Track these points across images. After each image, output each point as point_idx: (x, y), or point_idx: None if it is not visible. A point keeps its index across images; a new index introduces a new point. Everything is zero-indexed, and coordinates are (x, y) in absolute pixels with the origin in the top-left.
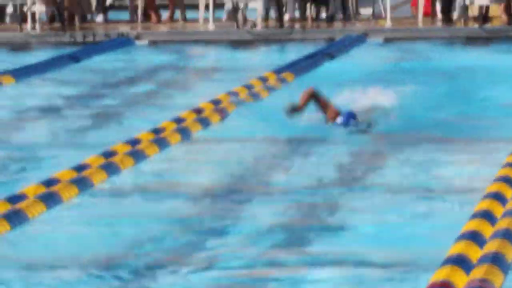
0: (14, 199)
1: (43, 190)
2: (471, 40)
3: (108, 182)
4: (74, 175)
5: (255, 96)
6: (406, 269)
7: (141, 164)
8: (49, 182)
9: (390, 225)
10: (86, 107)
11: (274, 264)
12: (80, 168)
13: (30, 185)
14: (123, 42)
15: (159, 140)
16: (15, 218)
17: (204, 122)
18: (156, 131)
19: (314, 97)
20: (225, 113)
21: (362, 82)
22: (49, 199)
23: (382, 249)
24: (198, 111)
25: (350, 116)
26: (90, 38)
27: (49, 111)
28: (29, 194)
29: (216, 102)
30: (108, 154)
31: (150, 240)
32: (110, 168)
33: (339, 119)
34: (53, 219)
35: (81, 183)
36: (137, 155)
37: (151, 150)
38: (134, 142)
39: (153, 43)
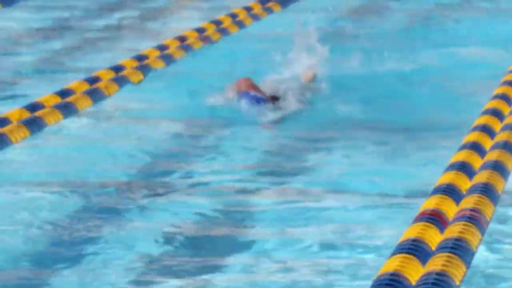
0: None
1: (27, 114)
2: None
3: (92, 108)
4: (58, 100)
5: (240, 25)
6: None
7: (124, 90)
8: (33, 107)
9: None
10: (69, 32)
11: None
12: (64, 93)
13: (13, 109)
14: None
15: (143, 66)
16: None
17: (188, 49)
18: (140, 58)
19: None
20: (209, 41)
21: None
22: (32, 124)
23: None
24: (182, 38)
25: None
26: None
27: (34, 35)
28: (13, 118)
29: (200, 30)
30: (92, 80)
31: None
32: (94, 94)
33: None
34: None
35: (66, 108)
36: (121, 81)
37: (134, 77)
38: (118, 68)
39: None
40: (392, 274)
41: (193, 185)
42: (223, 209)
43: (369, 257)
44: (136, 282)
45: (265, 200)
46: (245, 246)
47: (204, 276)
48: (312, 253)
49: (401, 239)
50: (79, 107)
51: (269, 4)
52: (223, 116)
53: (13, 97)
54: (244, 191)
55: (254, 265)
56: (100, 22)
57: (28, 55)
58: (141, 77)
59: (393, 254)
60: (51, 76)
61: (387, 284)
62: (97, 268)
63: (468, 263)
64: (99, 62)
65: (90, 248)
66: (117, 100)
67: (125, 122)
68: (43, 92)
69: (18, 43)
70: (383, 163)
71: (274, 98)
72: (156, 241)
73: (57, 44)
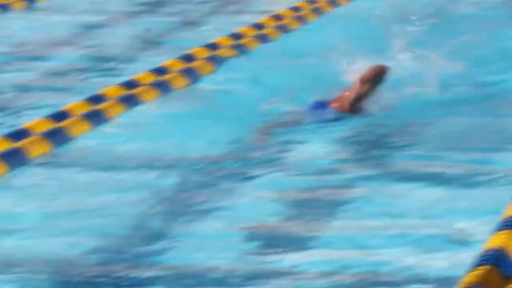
0: (94, 99)
1: (123, 92)
2: None
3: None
4: (153, 78)
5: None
6: None
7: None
8: (130, 84)
9: None
10: (163, 13)
11: None
12: (159, 71)
13: (110, 87)
14: None
15: (238, 46)
16: (95, 118)
17: (283, 29)
18: (235, 36)
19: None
20: (304, 20)
21: None
22: (129, 100)
23: None
24: (277, 17)
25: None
26: None
27: (127, 16)
28: (110, 95)
29: (296, 9)
30: (187, 58)
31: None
32: (189, 74)
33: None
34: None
35: (161, 86)
36: (216, 60)
37: (230, 55)
38: (213, 46)
39: None
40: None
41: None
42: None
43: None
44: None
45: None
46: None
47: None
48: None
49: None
50: (175, 86)
51: None
52: None
53: (112, 75)
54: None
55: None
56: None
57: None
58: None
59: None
60: (146, 53)
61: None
62: (207, 238)
63: None
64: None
65: (199, 220)
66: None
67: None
68: (138, 71)
69: (109, 22)
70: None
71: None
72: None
73: (151, 23)
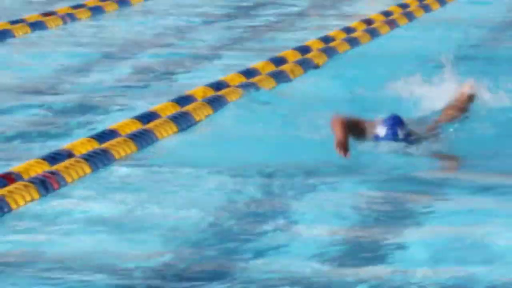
0: (182, 100)
1: (211, 93)
2: None
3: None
4: (242, 79)
5: (426, 8)
6: None
7: (309, 74)
8: (217, 85)
9: None
10: (251, 16)
11: None
12: (248, 72)
13: (197, 88)
14: None
15: (328, 49)
16: (183, 120)
17: (373, 33)
18: (326, 39)
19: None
20: (395, 25)
21: None
22: (215, 102)
23: None
24: (368, 22)
25: (395, 123)
26: None
27: (213, 19)
28: (197, 96)
29: (386, 14)
30: (277, 61)
31: None
32: (279, 76)
33: (380, 130)
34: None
35: (247, 87)
36: (305, 63)
37: (319, 59)
38: (304, 49)
39: None
40: None
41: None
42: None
43: None
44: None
45: None
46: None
47: None
48: None
49: None
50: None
51: None
52: None
53: (197, 76)
54: None
55: None
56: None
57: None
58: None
59: None
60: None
61: None
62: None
63: None
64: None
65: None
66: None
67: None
68: (228, 73)
69: (197, 24)
70: None
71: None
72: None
73: (239, 25)
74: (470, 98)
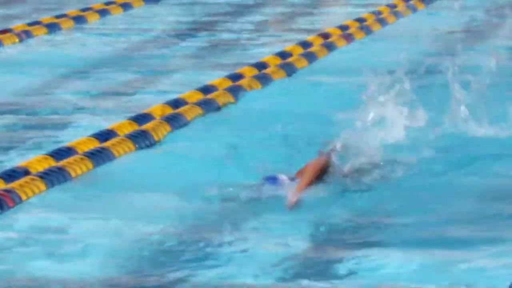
0: (140, 118)
1: (169, 110)
2: None
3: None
4: (200, 96)
5: (382, 22)
6: None
7: (266, 87)
8: (175, 103)
9: None
10: (207, 32)
11: None
12: (205, 89)
13: (155, 106)
14: None
15: (285, 65)
16: (141, 138)
17: (330, 47)
18: (282, 54)
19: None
20: (352, 39)
21: None
22: (173, 119)
23: None
24: (325, 36)
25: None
26: None
27: (168, 35)
28: (155, 114)
29: (343, 28)
30: (235, 77)
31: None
32: (235, 90)
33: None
34: None
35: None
36: (263, 79)
37: (276, 74)
38: (260, 65)
39: None
40: None
41: None
42: None
43: None
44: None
45: None
46: None
47: None
48: None
49: None
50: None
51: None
52: None
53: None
54: None
55: None
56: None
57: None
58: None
59: None
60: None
61: None
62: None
63: None
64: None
65: None
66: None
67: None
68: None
69: (162, 40)
70: None
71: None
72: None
73: (201, 41)
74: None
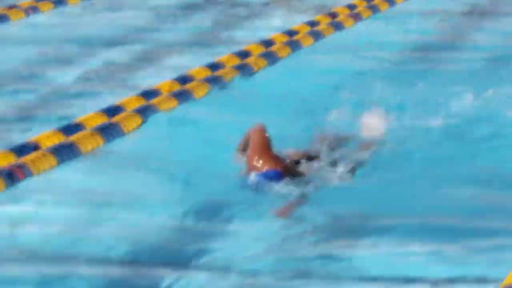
0: (147, 94)
1: (177, 86)
2: None
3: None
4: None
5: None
6: None
7: (273, 65)
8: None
9: None
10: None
11: None
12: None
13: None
14: None
15: (292, 42)
16: (148, 113)
17: (338, 27)
18: (290, 33)
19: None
20: (360, 18)
21: None
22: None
23: None
24: (333, 15)
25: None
26: None
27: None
28: (163, 90)
29: (351, 7)
30: (243, 54)
31: None
32: (242, 69)
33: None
34: None
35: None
36: (270, 57)
37: (283, 52)
38: (268, 43)
39: None
40: None
41: None
42: None
43: None
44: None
45: None
46: None
47: None
48: None
49: None
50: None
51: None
52: None
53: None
54: None
55: None
56: None
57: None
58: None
59: None
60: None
61: None
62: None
63: None
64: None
65: None
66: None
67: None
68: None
69: (167, 17)
70: None
71: (309, 158)
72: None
73: (207, 18)
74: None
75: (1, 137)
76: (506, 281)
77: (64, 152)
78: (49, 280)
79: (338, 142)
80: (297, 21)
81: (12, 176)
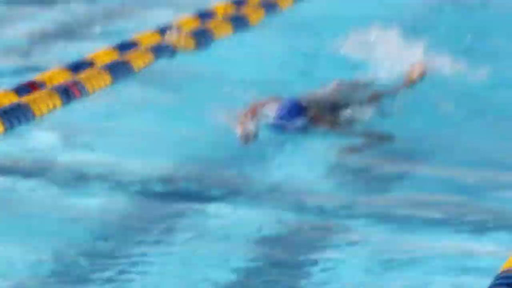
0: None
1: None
2: None
3: None
4: None
5: None
6: None
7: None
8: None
9: None
10: None
11: None
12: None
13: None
14: None
15: None
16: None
17: None
18: None
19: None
20: None
21: None
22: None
23: None
24: None
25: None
26: None
27: None
28: (218, 13)
29: None
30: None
31: None
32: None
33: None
34: None
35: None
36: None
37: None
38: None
39: None
40: None
41: None
42: None
43: None
44: None
45: None
46: None
47: None
48: None
49: None
50: None
51: None
52: None
53: None
54: None
55: None
56: None
57: None
58: None
59: None
60: None
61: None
62: None
63: None
64: None
65: None
66: None
67: None
68: None
69: None
70: None
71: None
72: None
73: None
74: (420, 75)
75: (56, 54)
76: (506, 265)
77: (119, 70)
78: None
79: (357, 87)
80: None
81: (68, 92)
